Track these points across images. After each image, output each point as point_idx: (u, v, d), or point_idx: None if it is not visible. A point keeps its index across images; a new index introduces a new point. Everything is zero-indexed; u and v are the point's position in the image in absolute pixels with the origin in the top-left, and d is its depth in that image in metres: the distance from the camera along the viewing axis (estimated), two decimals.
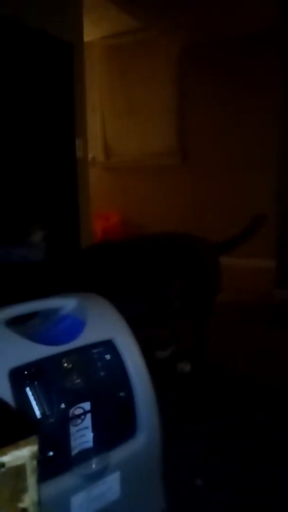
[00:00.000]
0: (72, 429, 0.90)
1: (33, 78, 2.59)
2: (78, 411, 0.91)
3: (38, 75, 2.62)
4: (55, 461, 0.85)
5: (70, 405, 0.89)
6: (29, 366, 0.88)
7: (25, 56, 2.54)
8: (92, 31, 4.20)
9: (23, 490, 0.37)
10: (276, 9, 3.28)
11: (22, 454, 0.36)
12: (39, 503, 0.38)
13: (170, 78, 4.82)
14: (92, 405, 0.92)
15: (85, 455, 0.91)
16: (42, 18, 2.70)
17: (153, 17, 4.15)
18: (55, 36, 2.74)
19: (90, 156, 3.64)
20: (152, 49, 4.80)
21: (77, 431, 0.91)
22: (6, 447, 0.36)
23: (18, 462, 0.36)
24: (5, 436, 0.40)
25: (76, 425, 0.90)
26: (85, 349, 0.97)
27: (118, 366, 1.00)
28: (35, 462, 0.37)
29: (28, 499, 0.37)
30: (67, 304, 1.08)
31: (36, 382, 0.87)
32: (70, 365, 0.93)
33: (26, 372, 0.87)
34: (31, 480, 0.37)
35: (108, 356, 0.99)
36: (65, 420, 0.88)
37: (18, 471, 0.36)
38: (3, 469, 0.36)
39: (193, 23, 4.23)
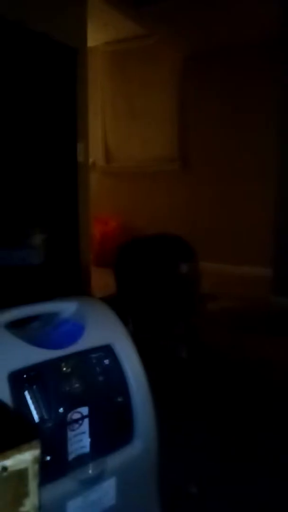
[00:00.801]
0: (70, 434, 0.90)
1: (36, 81, 2.61)
2: (76, 416, 0.91)
3: (42, 79, 2.64)
4: (52, 465, 0.85)
5: (68, 409, 0.89)
6: (28, 369, 0.88)
7: (30, 60, 2.55)
8: (96, 37, 4.23)
9: (25, 494, 0.37)
10: (276, 19, 3.31)
11: (24, 458, 0.36)
12: (40, 508, 0.38)
13: (172, 85, 4.85)
14: (90, 410, 0.92)
15: (82, 460, 0.91)
16: (47, 23, 2.72)
17: (157, 24, 4.19)
18: (60, 41, 2.76)
19: (90, 160, 3.65)
20: (154, 56, 4.83)
21: (74, 436, 0.91)
22: (9, 451, 0.36)
23: (20, 466, 0.36)
24: (7, 439, 0.40)
25: (73, 430, 0.90)
26: (84, 354, 0.97)
27: (116, 371, 1.00)
28: (37, 466, 0.37)
29: (29, 504, 0.37)
30: (67, 308, 1.08)
31: (35, 386, 0.87)
32: (69, 370, 0.93)
33: (25, 376, 0.87)
34: (33, 484, 0.37)
35: (107, 361, 0.99)
36: (63, 425, 0.88)
37: (20, 475, 0.36)
38: (5, 473, 0.36)
39: (196, 31, 4.26)
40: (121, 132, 5.12)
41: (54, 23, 2.83)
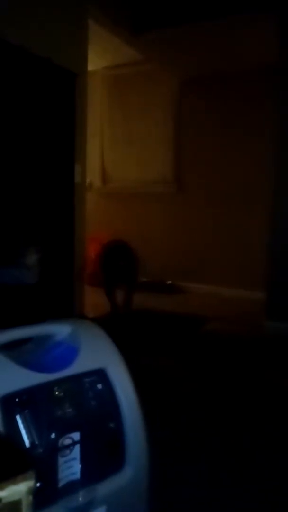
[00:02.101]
0: (60, 460, 0.88)
1: (37, 104, 2.65)
2: (67, 442, 0.90)
3: (42, 102, 2.69)
4: (42, 493, 0.83)
5: (59, 435, 0.88)
6: (20, 393, 0.87)
7: (31, 83, 2.60)
8: (95, 61, 4.32)
9: None
10: (273, 46, 3.41)
11: (19, 489, 0.36)
12: None
13: (168, 109, 4.95)
14: (81, 436, 0.91)
15: (72, 488, 0.89)
16: (49, 47, 2.79)
17: (155, 50, 4.30)
18: (60, 65, 2.82)
19: (87, 181, 3.69)
20: (152, 81, 4.94)
21: (65, 462, 0.89)
22: (4, 482, 0.36)
23: (14, 498, 0.36)
24: (0, 470, 0.40)
25: (64, 456, 0.89)
26: (77, 378, 0.96)
27: (109, 396, 0.99)
28: (31, 498, 0.37)
29: None
30: (60, 330, 1.08)
31: (26, 410, 0.86)
32: (62, 394, 0.92)
33: (17, 400, 0.86)
34: None
35: (100, 386, 0.99)
36: (54, 451, 0.87)
37: (14, 507, 0.36)
38: None
39: (193, 57, 4.38)
40: (118, 154, 5.19)
41: (55, 48, 2.90)
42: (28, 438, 0.84)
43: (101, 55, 4.39)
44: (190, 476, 1.52)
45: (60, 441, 0.88)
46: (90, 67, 3.50)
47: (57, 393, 0.92)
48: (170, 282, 4.89)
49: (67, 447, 0.89)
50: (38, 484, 0.83)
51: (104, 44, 4.07)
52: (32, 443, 0.84)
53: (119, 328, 3.19)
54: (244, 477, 1.53)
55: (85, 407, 0.95)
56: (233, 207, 4.70)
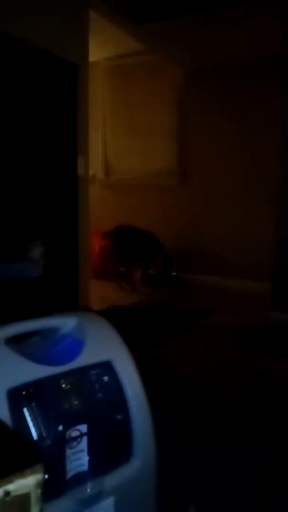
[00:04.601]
0: (68, 452, 0.89)
1: (38, 96, 2.64)
2: (75, 434, 0.90)
3: (44, 94, 2.67)
4: (50, 484, 0.83)
5: (67, 427, 0.89)
6: (27, 386, 0.87)
7: (32, 76, 2.59)
8: (97, 52, 4.28)
9: None
10: (279, 36, 3.36)
11: (27, 482, 0.36)
12: None
13: (172, 100, 4.91)
14: (88, 428, 0.91)
15: (80, 479, 0.89)
16: (50, 39, 2.76)
17: (158, 41, 4.25)
18: (61, 56, 2.79)
19: (90, 173, 3.67)
20: (155, 71, 4.89)
21: (73, 454, 0.90)
22: (12, 475, 0.36)
23: (23, 491, 0.36)
24: (9, 463, 0.39)
25: (72, 448, 0.89)
26: (83, 370, 0.96)
27: (116, 388, 0.99)
28: (39, 491, 0.37)
29: None
30: (66, 323, 1.08)
31: (34, 403, 0.86)
32: (68, 386, 0.93)
33: (24, 393, 0.86)
34: (35, 509, 0.36)
35: (106, 378, 0.99)
36: (62, 443, 0.87)
37: (23, 500, 0.36)
38: (8, 498, 0.35)
39: (196, 48, 4.33)
40: (121, 145, 5.16)
41: (56, 39, 2.87)
42: (36, 430, 0.85)
43: (103, 45, 4.35)
44: (193, 475, 1.51)
45: (67, 433, 0.89)
46: (91, 58, 3.47)
47: (63, 385, 0.92)
48: (175, 274, 4.89)
49: (75, 439, 0.90)
50: (46, 476, 0.83)
51: (105, 34, 4.03)
52: (39, 435, 0.85)
53: (124, 321, 3.20)
54: (245, 476, 1.53)
55: (92, 399, 0.95)
56: (237, 198, 4.68)
